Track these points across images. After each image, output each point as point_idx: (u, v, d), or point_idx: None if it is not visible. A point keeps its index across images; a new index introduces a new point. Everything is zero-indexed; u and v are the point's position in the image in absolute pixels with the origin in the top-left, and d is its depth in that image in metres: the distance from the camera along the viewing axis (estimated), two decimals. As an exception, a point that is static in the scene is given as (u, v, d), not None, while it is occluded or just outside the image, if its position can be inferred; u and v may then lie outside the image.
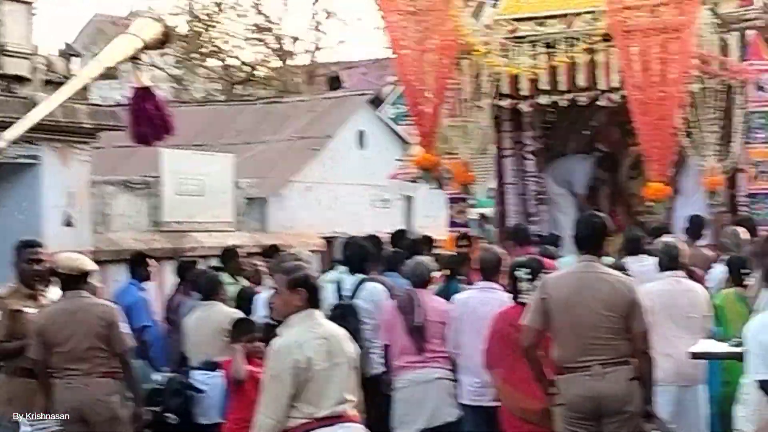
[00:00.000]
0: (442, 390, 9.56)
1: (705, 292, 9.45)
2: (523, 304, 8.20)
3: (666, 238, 9.63)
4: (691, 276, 9.67)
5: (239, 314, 9.50)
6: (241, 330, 8.70)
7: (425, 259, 10.09)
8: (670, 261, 9.31)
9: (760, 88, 12.70)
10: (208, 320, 9.76)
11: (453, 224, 14.10)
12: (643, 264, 10.52)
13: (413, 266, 9.88)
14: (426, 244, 13.19)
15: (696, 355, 9.06)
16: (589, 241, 7.54)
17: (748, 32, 12.73)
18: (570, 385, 7.36)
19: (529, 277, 8.21)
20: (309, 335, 6.35)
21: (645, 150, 12.14)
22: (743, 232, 11.15)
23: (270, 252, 13.32)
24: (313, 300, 6.47)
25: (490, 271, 9.23)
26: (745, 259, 10.09)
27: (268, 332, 8.88)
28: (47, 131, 13.08)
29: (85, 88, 14.50)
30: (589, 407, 7.28)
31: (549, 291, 7.44)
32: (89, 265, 8.45)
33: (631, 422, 7.32)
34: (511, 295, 8.61)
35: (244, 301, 9.99)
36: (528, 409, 8.16)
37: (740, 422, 8.02)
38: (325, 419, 6.32)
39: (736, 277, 10.06)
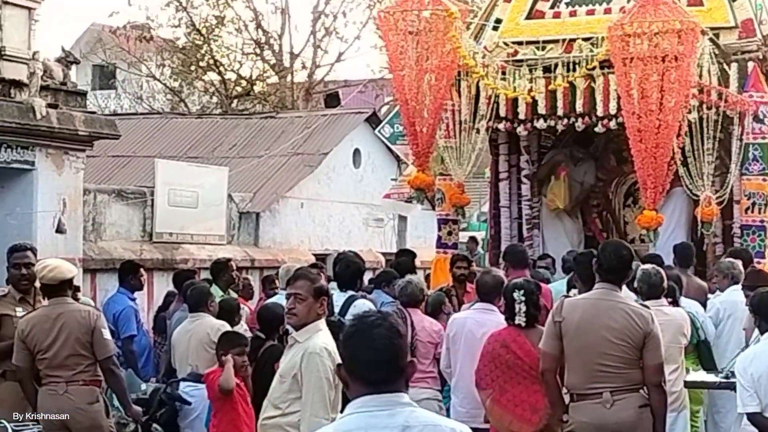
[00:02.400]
0: (430, 411, 9.51)
1: (687, 321, 9.41)
2: (518, 326, 8.19)
3: (645, 266, 9.53)
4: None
5: (226, 326, 9.46)
6: (231, 342, 8.66)
7: (415, 278, 10.05)
8: (650, 289, 9.23)
9: (758, 120, 12.69)
10: (195, 332, 9.71)
11: (441, 245, 14.07)
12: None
13: (403, 285, 9.84)
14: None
15: (688, 384, 9.11)
16: (613, 271, 7.47)
17: (748, 63, 12.73)
18: (579, 412, 7.31)
19: (524, 299, 8.16)
20: (333, 343, 6.47)
21: (640, 178, 12.12)
22: (739, 264, 11.13)
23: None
24: (329, 310, 6.63)
25: (489, 293, 9.17)
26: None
27: (255, 345, 8.89)
28: (43, 137, 13.09)
29: (83, 95, 14.52)
30: None
31: (563, 314, 7.39)
32: (69, 272, 8.41)
33: None
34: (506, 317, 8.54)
35: (227, 313, 9.94)
36: (518, 432, 8.13)
37: None
38: None
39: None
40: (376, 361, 3.94)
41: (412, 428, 3.97)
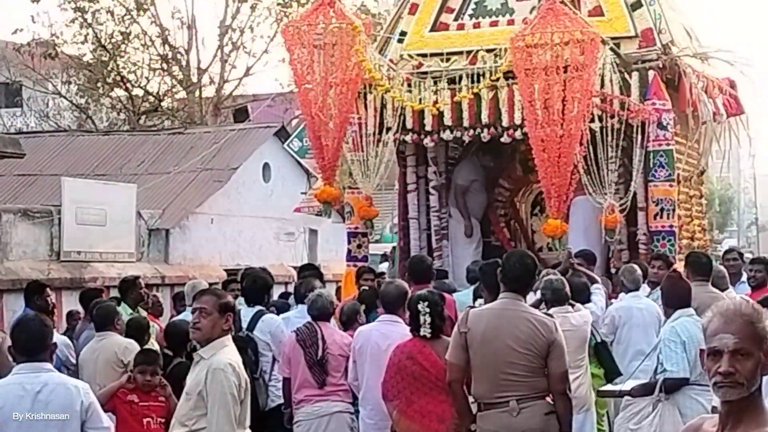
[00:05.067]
0: (342, 423, 9.51)
1: (588, 328, 9.55)
2: (423, 338, 8.20)
3: (549, 275, 9.69)
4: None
5: (134, 345, 9.37)
6: (135, 360, 8.61)
7: (325, 292, 10.04)
8: (553, 294, 9.39)
9: (662, 127, 12.88)
10: (102, 351, 9.60)
11: (352, 258, 14.10)
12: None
13: (313, 299, 9.81)
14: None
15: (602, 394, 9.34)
16: (518, 281, 7.50)
17: (649, 72, 12.92)
18: (487, 421, 7.33)
19: (429, 310, 8.18)
20: (238, 359, 6.51)
21: (544, 187, 12.23)
22: (637, 271, 11.32)
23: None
24: (234, 326, 6.62)
25: (392, 303, 9.18)
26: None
27: (164, 363, 8.83)
28: (-55, 157, 12.90)
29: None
30: None
31: (469, 325, 7.40)
32: None
33: None
34: (411, 328, 8.55)
35: (135, 331, 9.86)
36: (425, 443, 8.14)
37: None
38: None
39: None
40: (30, 341, 6.19)
41: (49, 384, 6.12)
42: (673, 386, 8.25)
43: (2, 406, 6.02)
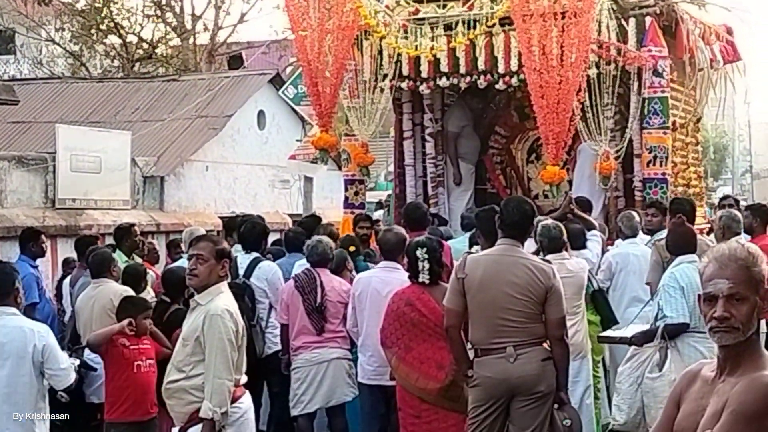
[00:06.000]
0: (340, 370, 9.54)
1: (586, 273, 9.55)
2: (422, 284, 8.20)
3: (545, 221, 9.69)
4: None
5: (129, 292, 9.37)
6: (123, 308, 8.62)
7: (325, 238, 10.01)
8: (550, 242, 9.39)
9: (657, 74, 12.83)
10: (98, 298, 9.59)
11: (348, 206, 14.09)
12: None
13: (313, 245, 9.79)
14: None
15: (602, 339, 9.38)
16: (516, 227, 7.48)
17: (646, 19, 12.86)
18: (484, 367, 7.34)
19: (427, 256, 8.18)
20: (235, 305, 6.54)
21: (542, 134, 12.20)
22: (635, 217, 11.36)
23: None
24: (230, 273, 6.64)
25: (391, 250, 9.19)
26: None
27: (161, 309, 8.84)
28: (-62, 104, 12.82)
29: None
30: (502, 388, 7.28)
31: (466, 271, 7.39)
32: None
33: (542, 403, 7.30)
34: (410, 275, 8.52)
35: (132, 278, 9.85)
36: (424, 389, 8.15)
37: (613, 410, 8.35)
38: (243, 386, 6.61)
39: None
40: None
41: (7, 327, 7.03)
42: (674, 332, 8.28)
43: None
